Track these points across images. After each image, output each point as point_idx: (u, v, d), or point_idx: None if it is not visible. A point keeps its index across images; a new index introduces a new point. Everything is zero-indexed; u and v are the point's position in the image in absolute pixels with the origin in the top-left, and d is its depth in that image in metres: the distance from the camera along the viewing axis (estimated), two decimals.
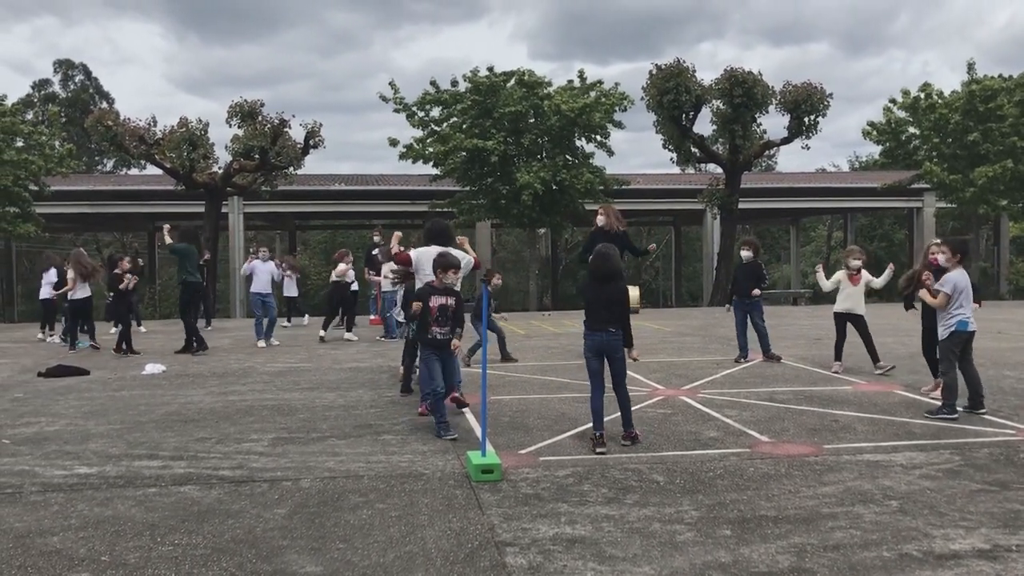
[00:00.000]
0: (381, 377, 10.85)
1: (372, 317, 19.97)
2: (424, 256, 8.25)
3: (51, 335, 17.30)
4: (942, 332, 8.03)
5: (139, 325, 19.21)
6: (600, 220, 11.63)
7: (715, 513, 5.03)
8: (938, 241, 9.40)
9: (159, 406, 8.95)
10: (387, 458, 6.48)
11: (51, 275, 17.02)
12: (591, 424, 6.90)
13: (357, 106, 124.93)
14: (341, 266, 16.56)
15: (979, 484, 5.59)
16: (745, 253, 12.01)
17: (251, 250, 18.54)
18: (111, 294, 14.77)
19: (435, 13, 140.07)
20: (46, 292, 17.06)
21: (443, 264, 7.48)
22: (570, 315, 23.82)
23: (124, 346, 14.11)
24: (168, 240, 14.38)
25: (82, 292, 14.91)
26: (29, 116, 30.33)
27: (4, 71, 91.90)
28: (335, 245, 53.03)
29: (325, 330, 16.07)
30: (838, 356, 10.81)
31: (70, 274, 15.01)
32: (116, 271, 14.71)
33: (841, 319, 10.79)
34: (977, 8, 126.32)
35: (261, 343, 14.99)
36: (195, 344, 13.99)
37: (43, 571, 4.25)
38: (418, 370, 8.42)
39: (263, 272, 15.67)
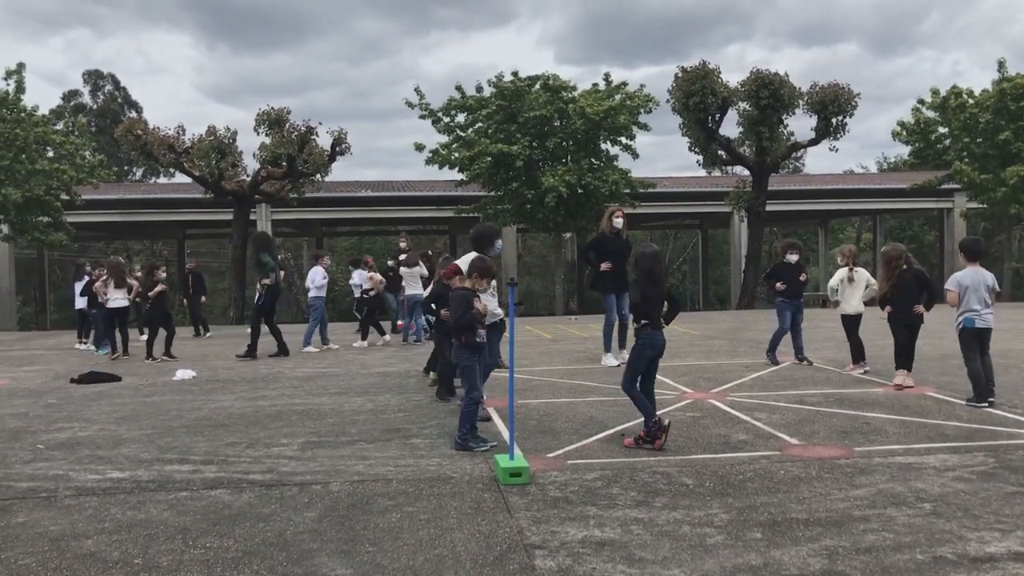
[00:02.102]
0: (409, 381, 10.88)
1: (399, 322, 20.05)
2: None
3: (84, 342, 17.48)
4: (956, 328, 8.60)
5: (206, 332, 19.97)
6: (618, 222, 11.55)
7: (745, 516, 4.99)
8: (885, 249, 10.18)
9: (190, 411, 9.03)
10: (416, 462, 6.50)
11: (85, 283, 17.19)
12: (624, 424, 6.87)
13: (385, 113, 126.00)
14: (376, 276, 16.59)
15: (1014, 486, 5.51)
16: (792, 256, 11.95)
17: (312, 256, 18.69)
18: (147, 302, 14.85)
19: (463, 20, 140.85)
20: (81, 301, 17.18)
21: (483, 269, 7.21)
22: (597, 319, 23.76)
23: (165, 352, 14.27)
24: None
25: (119, 300, 14.80)
26: (60, 126, 30.72)
27: (39, 83, 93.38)
28: (362, 251, 53.34)
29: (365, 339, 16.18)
30: (855, 358, 10.98)
31: (99, 283, 15.05)
32: (153, 279, 14.78)
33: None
34: (1009, 7, 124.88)
35: (313, 348, 15.27)
36: (252, 349, 14.25)
37: (78, 574, 4.30)
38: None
39: (324, 278, 16.14)
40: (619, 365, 11.12)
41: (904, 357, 9.65)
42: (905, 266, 9.52)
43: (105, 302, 14.83)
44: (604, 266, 11.41)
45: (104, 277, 15.14)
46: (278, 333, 14.42)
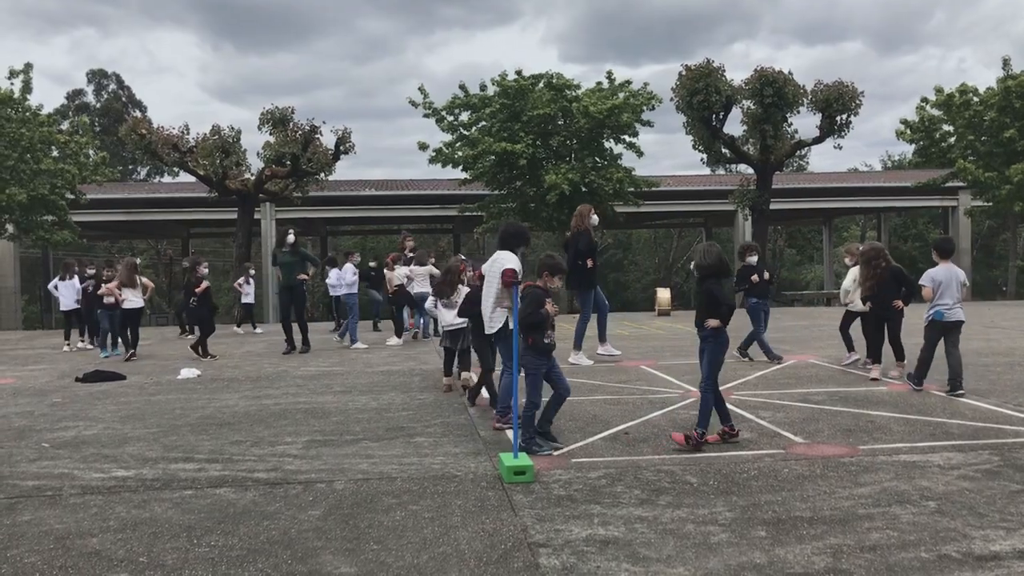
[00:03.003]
0: (413, 380, 10.89)
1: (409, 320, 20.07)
2: (496, 263, 7.50)
3: (81, 342, 17.15)
4: (925, 319, 9.23)
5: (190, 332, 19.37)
6: (595, 220, 11.70)
7: (749, 514, 4.99)
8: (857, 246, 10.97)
9: (194, 410, 9.04)
10: (420, 460, 6.50)
11: (76, 283, 16.70)
12: (629, 423, 6.87)
13: (389, 112, 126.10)
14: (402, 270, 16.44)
15: (1019, 485, 5.50)
16: (752, 258, 12.25)
17: (343, 253, 18.61)
18: (193, 299, 14.84)
19: (467, 19, 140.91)
20: (68, 302, 16.67)
21: (553, 267, 6.98)
22: None
23: (201, 349, 14.25)
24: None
25: (135, 301, 14.58)
26: (65, 126, 30.83)
27: (45, 82, 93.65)
28: (365, 250, 53.34)
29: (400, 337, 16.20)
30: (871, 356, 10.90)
31: (115, 283, 14.72)
32: (197, 275, 14.77)
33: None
34: (1014, 4, 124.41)
35: (356, 344, 15.43)
36: (292, 344, 14.81)
37: (83, 572, 4.31)
38: (502, 380, 7.76)
39: (355, 274, 16.37)
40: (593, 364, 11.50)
41: (879, 350, 10.23)
42: (884, 264, 9.90)
43: (120, 303, 14.52)
44: (590, 263, 11.63)
45: (116, 278, 14.89)
46: (303, 330, 14.99)
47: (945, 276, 8.90)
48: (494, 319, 7.52)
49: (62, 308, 16.94)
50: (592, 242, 11.86)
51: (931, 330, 9.12)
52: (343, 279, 16.35)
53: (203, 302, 14.64)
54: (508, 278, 7.00)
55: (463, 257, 12.22)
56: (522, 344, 6.64)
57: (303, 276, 14.79)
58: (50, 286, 17.32)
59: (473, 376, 9.06)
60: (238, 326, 20.89)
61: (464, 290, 9.37)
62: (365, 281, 17.61)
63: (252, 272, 21.65)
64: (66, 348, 16.73)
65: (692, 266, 7.55)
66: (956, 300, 8.93)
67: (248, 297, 20.88)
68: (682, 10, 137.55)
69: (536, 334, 6.66)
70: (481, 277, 7.77)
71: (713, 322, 6.73)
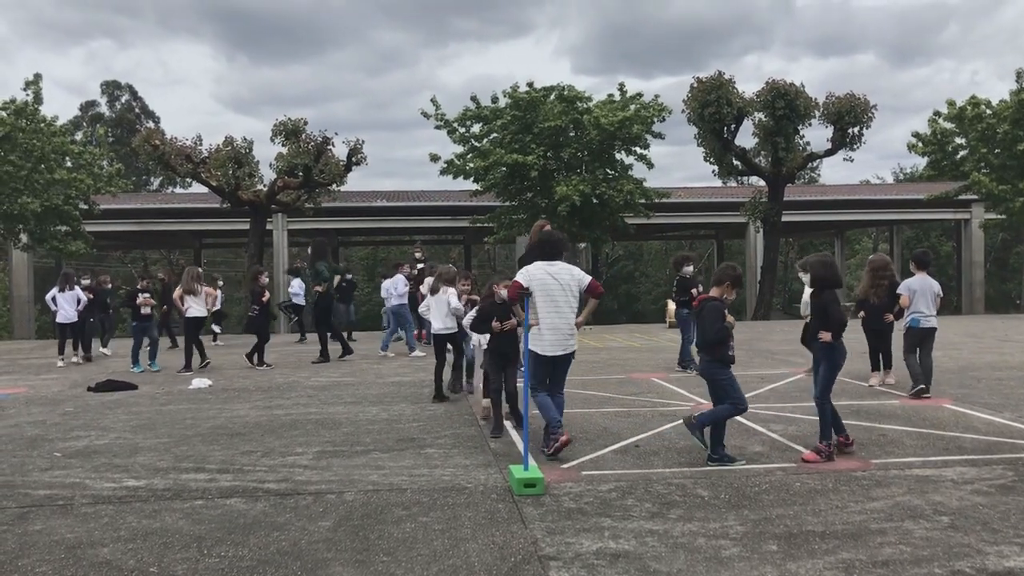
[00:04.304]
0: (423, 391, 10.89)
1: (415, 332, 20.10)
2: (535, 275, 7.06)
3: (75, 356, 16.27)
4: (903, 327, 9.88)
5: (173, 344, 18.68)
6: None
7: (761, 528, 4.97)
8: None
9: (205, 420, 9.06)
10: (430, 471, 6.50)
11: (77, 293, 15.92)
12: (639, 435, 6.85)
13: (402, 123, 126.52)
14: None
15: None
16: (689, 268, 12.61)
17: (393, 265, 18.51)
18: (256, 307, 14.89)
19: (481, 31, 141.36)
20: (69, 314, 15.63)
21: (735, 279, 6.93)
22: (611, 330, 23.77)
23: (257, 358, 14.33)
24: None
25: (198, 310, 14.26)
26: (79, 136, 31.02)
27: (61, 93, 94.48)
28: (376, 261, 53.46)
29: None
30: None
31: (178, 291, 14.29)
32: (260, 284, 14.84)
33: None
34: None
35: (420, 352, 15.54)
36: (347, 349, 15.41)
37: None
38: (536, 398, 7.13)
39: (406, 285, 16.52)
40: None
41: (876, 359, 10.77)
42: (889, 276, 10.32)
43: (184, 312, 14.18)
44: None
45: (180, 286, 14.38)
46: (339, 337, 15.56)
47: (920, 286, 9.64)
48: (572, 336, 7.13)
49: (59, 320, 15.78)
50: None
51: (909, 337, 9.77)
52: (395, 289, 16.47)
53: (263, 311, 14.76)
54: (513, 291, 7.01)
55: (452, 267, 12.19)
56: (706, 357, 6.67)
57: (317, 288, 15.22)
58: (48, 297, 16.13)
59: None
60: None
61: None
62: (336, 293, 17.50)
63: (222, 284, 21.97)
64: (60, 363, 15.60)
65: (806, 278, 7.63)
66: (931, 309, 9.69)
67: (213, 307, 20.88)
68: (695, 23, 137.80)
69: (722, 347, 6.62)
70: (515, 294, 7.04)
71: (825, 336, 6.71)
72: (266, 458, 7.11)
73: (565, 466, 6.57)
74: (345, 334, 18.76)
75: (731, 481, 6.05)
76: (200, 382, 11.94)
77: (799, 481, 6.03)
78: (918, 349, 9.77)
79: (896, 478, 6.08)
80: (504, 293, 7.60)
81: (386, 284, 17.31)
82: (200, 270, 15.53)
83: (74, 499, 5.89)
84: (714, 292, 6.81)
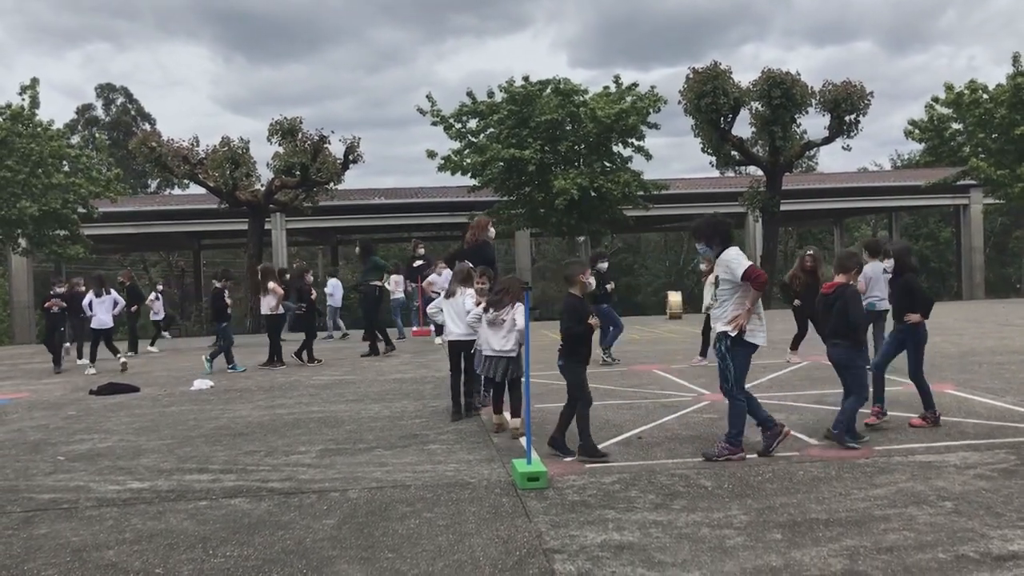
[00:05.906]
0: (425, 388, 10.89)
1: (414, 328, 20.14)
2: (731, 263, 6.55)
3: (80, 359, 16.23)
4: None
5: (131, 351, 18.23)
6: (492, 232, 11.04)
7: (765, 517, 4.97)
8: (811, 252, 12.18)
9: (208, 421, 9.07)
10: (433, 467, 6.50)
11: (115, 296, 15.64)
12: (642, 427, 6.82)
13: (400, 120, 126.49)
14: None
15: None
16: (604, 264, 12.81)
17: (423, 262, 18.46)
18: (303, 305, 14.97)
19: (479, 26, 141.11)
20: (105, 320, 14.93)
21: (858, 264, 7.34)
22: None
23: (307, 355, 14.46)
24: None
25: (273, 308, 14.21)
26: (75, 140, 31.00)
27: (58, 97, 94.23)
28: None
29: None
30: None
31: (271, 287, 14.02)
32: (306, 283, 15.01)
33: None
34: None
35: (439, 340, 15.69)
36: (388, 345, 15.51)
37: None
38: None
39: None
40: None
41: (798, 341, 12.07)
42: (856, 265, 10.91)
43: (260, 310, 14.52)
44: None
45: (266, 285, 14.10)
46: (383, 332, 15.61)
47: (873, 272, 10.18)
48: (756, 332, 6.44)
49: (93, 326, 14.95)
50: (494, 255, 11.21)
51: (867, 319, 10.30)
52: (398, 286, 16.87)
53: (310, 309, 14.86)
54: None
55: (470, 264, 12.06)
56: (845, 343, 6.80)
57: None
58: (84, 303, 15.19)
59: (518, 422, 7.64)
60: (152, 344, 20.30)
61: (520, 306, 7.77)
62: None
63: (161, 289, 22.17)
64: (91, 371, 14.45)
65: (886, 263, 8.51)
66: (884, 293, 10.06)
67: (158, 315, 21.03)
68: (692, 13, 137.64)
69: (864, 333, 7.07)
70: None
71: (914, 317, 7.21)
72: (269, 457, 7.11)
73: (568, 459, 6.58)
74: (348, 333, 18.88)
75: (734, 471, 6.05)
76: (202, 383, 11.95)
77: (802, 470, 6.04)
78: (871, 327, 10.20)
79: (899, 464, 6.09)
80: (592, 281, 7.11)
81: (333, 283, 17.55)
82: (272, 267, 15.86)
83: (78, 502, 5.90)
84: (842, 279, 6.90)
